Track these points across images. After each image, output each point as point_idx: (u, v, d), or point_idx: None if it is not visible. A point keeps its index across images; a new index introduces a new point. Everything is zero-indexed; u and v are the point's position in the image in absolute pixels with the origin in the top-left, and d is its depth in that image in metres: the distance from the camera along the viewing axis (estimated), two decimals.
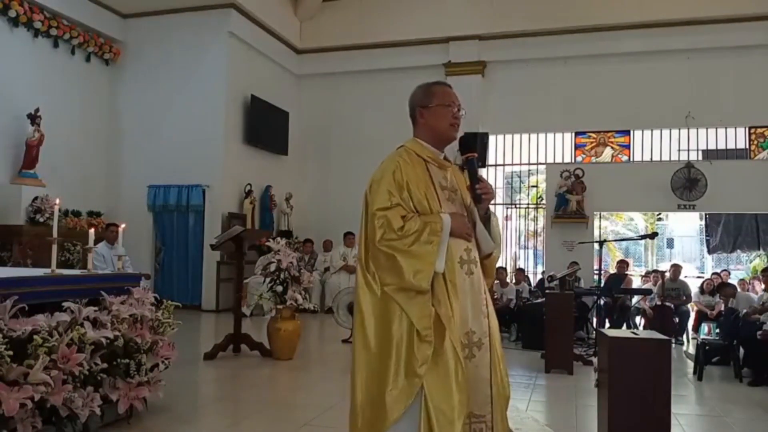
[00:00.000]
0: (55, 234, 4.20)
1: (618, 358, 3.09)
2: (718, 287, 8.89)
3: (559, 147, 11.97)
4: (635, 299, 9.52)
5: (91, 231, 4.48)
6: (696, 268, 20.87)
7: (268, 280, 6.47)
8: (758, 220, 13.16)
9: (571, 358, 6.31)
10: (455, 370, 2.12)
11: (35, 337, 3.16)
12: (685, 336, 8.95)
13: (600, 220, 12.56)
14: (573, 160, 11.64)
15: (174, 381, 4.62)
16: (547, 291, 7.46)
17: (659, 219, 22.07)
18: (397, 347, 2.14)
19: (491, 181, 12.73)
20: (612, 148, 11.69)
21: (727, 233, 13.65)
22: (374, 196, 2.25)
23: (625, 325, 8.98)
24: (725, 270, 12.26)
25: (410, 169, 2.29)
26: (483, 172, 11.98)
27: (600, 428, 3.33)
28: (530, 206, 13.09)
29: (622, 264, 9.99)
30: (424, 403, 2.09)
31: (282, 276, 6.36)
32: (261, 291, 7.21)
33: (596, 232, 11.27)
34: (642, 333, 3.43)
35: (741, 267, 17.33)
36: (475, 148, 2.42)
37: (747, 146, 11.10)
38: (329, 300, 10.64)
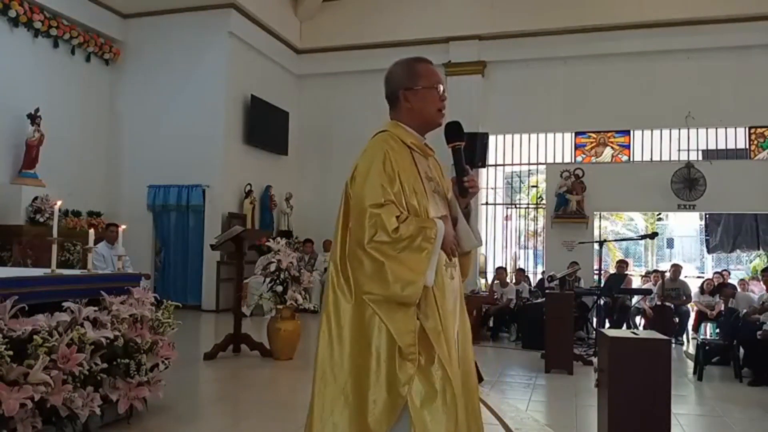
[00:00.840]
0: (55, 234, 4.20)
1: (618, 358, 3.09)
2: (718, 287, 8.90)
3: (559, 147, 11.97)
4: (635, 299, 9.52)
5: (91, 231, 4.49)
6: (696, 268, 20.88)
7: (268, 280, 6.47)
8: (758, 219, 13.16)
9: (571, 358, 6.32)
10: (443, 390, 1.90)
11: (35, 337, 3.16)
12: (685, 336, 8.95)
13: (600, 220, 12.56)
14: (573, 160, 11.64)
15: (174, 381, 4.61)
16: (547, 291, 7.46)
17: (659, 219, 22.08)
18: (377, 362, 1.91)
19: (491, 182, 12.75)
20: (612, 148, 11.69)
21: (726, 233, 13.65)
22: (363, 189, 1.97)
23: (625, 325, 8.98)
24: (725, 270, 12.26)
25: (399, 158, 2.03)
26: (483, 172, 12.03)
27: (600, 428, 3.32)
28: (530, 206, 13.09)
29: (622, 264, 9.99)
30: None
31: (282, 276, 6.36)
32: (261, 291, 7.21)
33: (596, 232, 11.27)
34: (642, 333, 3.43)
35: (741, 267, 17.34)
36: (461, 136, 2.16)
37: (747, 146, 11.10)
38: None
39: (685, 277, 10.15)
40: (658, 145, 11.45)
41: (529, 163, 12.38)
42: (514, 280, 9.68)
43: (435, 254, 1.94)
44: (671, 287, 9.11)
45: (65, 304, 3.60)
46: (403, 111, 2.16)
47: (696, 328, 8.65)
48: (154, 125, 10.75)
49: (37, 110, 8.86)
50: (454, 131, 2.17)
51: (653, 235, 9.54)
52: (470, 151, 10.31)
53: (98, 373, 3.54)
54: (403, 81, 2.15)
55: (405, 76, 2.15)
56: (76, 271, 4.84)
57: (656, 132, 11.46)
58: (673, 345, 7.29)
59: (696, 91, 10.77)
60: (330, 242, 12.02)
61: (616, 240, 15.43)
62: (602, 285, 8.63)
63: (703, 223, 15.31)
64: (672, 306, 8.90)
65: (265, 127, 11.52)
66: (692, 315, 9.12)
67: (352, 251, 1.97)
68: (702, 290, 9.28)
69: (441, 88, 2.15)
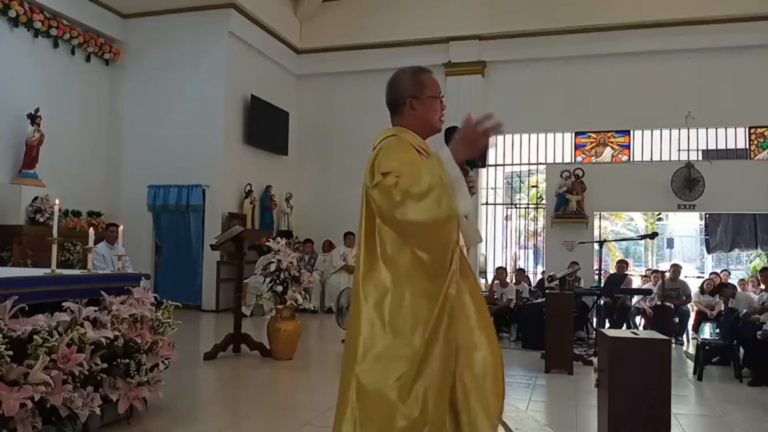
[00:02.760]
0: (55, 234, 4.20)
1: (618, 358, 3.09)
2: (718, 287, 8.89)
3: (559, 147, 11.97)
4: (635, 299, 9.52)
5: (91, 231, 4.49)
6: (696, 268, 20.88)
7: (268, 280, 6.47)
8: (756, 219, 13.15)
9: (571, 358, 6.32)
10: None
11: (35, 337, 3.16)
12: (685, 336, 8.94)
13: (600, 220, 12.55)
14: (573, 160, 11.63)
15: (174, 381, 4.62)
16: (547, 291, 7.46)
17: (659, 219, 22.08)
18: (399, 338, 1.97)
19: (491, 182, 12.75)
20: (612, 148, 11.69)
21: (726, 233, 13.64)
22: (376, 171, 2.03)
23: (625, 325, 8.98)
24: (725, 270, 12.25)
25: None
26: (483, 171, 12.01)
27: (600, 428, 3.33)
28: (530, 206, 13.09)
29: (622, 264, 9.99)
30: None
31: (282, 276, 6.36)
32: (261, 291, 7.22)
33: (596, 232, 11.26)
34: (642, 333, 3.43)
35: (741, 267, 17.33)
36: None
37: (747, 146, 11.09)
38: (329, 300, 10.65)
39: (685, 277, 10.15)
40: (658, 145, 11.44)
41: (529, 163, 12.38)
42: (514, 280, 9.68)
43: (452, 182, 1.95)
44: (671, 287, 9.11)
45: (65, 304, 3.60)
46: (408, 117, 2.27)
47: (696, 328, 8.64)
48: (154, 125, 10.74)
49: (37, 110, 8.86)
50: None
51: (653, 235, 9.52)
52: None
53: (98, 373, 3.54)
54: (410, 89, 2.25)
55: (412, 85, 2.26)
56: (76, 271, 4.84)
57: (656, 132, 11.46)
58: (673, 345, 7.29)
59: (696, 91, 10.77)
60: (329, 243, 12.05)
61: (616, 240, 15.43)
62: (602, 285, 8.63)
63: (703, 223, 15.31)
64: (672, 306, 8.90)
65: (264, 127, 11.52)
66: (692, 315, 9.12)
67: (387, 220, 2.02)
68: (702, 290, 9.27)
69: (441, 96, 2.30)
